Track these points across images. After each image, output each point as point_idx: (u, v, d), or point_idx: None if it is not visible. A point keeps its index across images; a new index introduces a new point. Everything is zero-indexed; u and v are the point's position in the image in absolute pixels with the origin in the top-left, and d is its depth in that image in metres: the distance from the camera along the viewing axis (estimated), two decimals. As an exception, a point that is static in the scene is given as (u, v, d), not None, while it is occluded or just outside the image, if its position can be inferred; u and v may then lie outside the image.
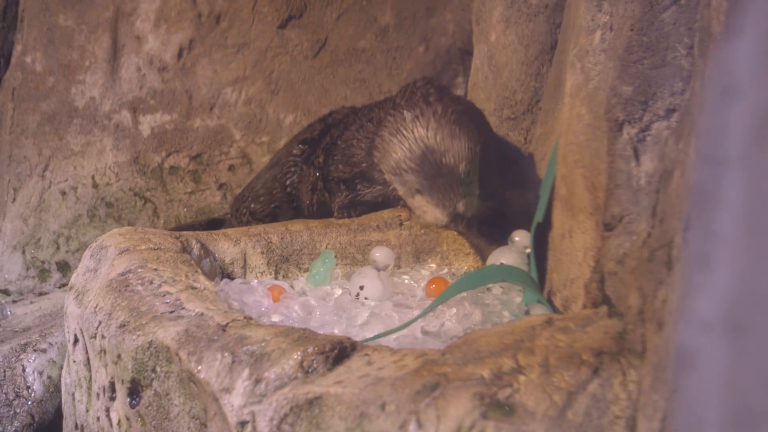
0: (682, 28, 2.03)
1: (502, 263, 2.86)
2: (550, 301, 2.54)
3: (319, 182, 3.47)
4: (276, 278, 3.08)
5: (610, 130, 2.10)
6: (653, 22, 2.07)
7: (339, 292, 2.84)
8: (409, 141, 2.85)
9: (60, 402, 2.94)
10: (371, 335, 2.44)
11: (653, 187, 2.01)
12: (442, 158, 2.81)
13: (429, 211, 2.84)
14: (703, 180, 0.97)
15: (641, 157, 2.05)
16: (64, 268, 4.29)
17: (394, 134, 2.90)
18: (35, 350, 3.27)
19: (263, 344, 1.99)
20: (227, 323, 2.13)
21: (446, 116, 2.88)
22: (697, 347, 0.98)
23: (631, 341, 1.86)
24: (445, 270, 3.07)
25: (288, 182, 3.64)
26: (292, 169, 3.66)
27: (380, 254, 2.97)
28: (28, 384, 3.20)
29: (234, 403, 1.88)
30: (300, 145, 3.69)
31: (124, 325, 2.26)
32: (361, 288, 2.77)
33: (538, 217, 2.77)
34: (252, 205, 3.70)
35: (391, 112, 3.06)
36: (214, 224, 3.98)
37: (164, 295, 2.35)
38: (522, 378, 1.76)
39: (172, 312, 2.25)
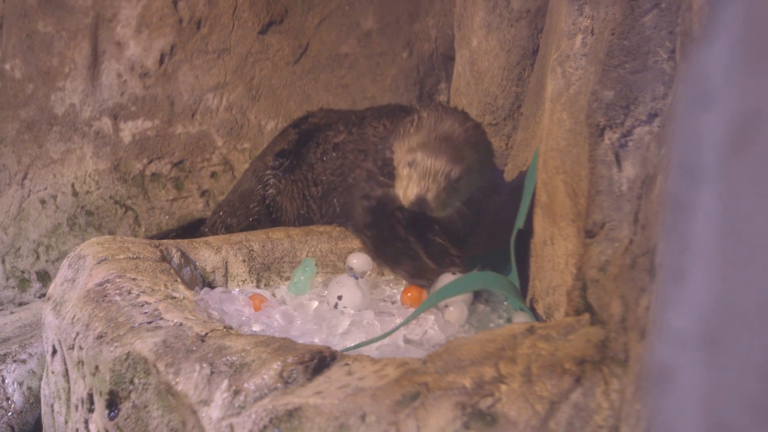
0: (663, 32, 2.02)
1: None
2: (533, 309, 2.53)
3: (308, 194, 3.45)
4: (258, 286, 3.06)
5: (591, 135, 2.09)
6: (634, 26, 2.06)
7: (316, 303, 2.80)
8: (431, 128, 2.87)
9: (40, 413, 2.91)
10: (352, 344, 2.43)
11: (635, 193, 1.99)
12: (454, 153, 2.82)
13: (407, 185, 2.81)
14: (678, 189, 0.95)
15: (623, 163, 2.04)
16: (44, 277, 4.25)
17: (429, 117, 2.93)
18: (15, 361, 3.24)
19: (243, 354, 1.97)
20: (206, 333, 2.11)
21: (466, 127, 2.92)
22: (673, 362, 0.96)
23: (613, 350, 1.85)
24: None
25: (267, 194, 3.60)
26: (271, 181, 3.62)
27: (357, 261, 2.93)
28: (7, 395, 3.17)
29: (212, 415, 1.86)
30: (278, 158, 3.65)
31: (101, 336, 2.23)
32: (339, 298, 2.75)
33: (519, 223, 2.76)
34: (228, 220, 3.67)
35: (418, 108, 3.09)
36: (190, 230, 3.96)
37: (142, 305, 2.33)
38: (504, 387, 1.74)
39: (150, 322, 2.23)
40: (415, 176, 2.79)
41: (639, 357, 1.73)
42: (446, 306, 2.72)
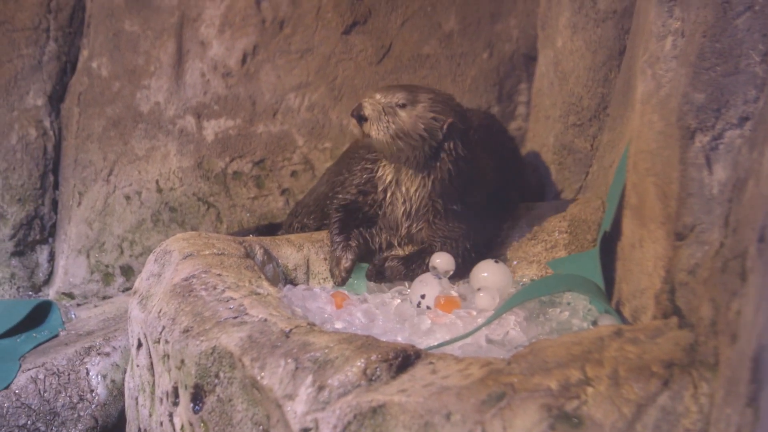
0: (756, 35, 1.99)
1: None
2: (618, 312, 2.50)
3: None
4: (338, 285, 3.08)
5: (682, 138, 2.07)
6: (726, 29, 2.04)
7: (398, 301, 2.81)
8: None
9: (123, 405, 2.96)
10: (435, 343, 2.43)
11: (726, 197, 1.97)
12: (408, 91, 2.97)
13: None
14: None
15: (713, 166, 2.01)
16: (128, 272, 4.32)
17: None
18: (99, 354, 3.30)
19: (327, 351, 1.98)
20: (291, 329, 2.13)
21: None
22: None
23: (702, 353, 1.83)
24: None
25: (338, 198, 3.61)
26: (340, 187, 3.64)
27: (441, 260, 2.93)
28: (91, 387, 3.22)
29: (297, 410, 1.88)
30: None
31: (187, 330, 2.26)
32: (423, 297, 2.76)
33: (606, 225, 2.74)
34: (305, 220, 3.69)
35: None
36: (269, 229, 3.98)
37: (228, 301, 2.36)
38: (590, 390, 1.74)
39: (235, 318, 2.25)
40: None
41: (729, 361, 1.71)
42: (478, 290, 2.75)
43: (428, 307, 2.73)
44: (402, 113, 2.88)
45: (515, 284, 2.94)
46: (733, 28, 2.02)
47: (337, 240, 3.07)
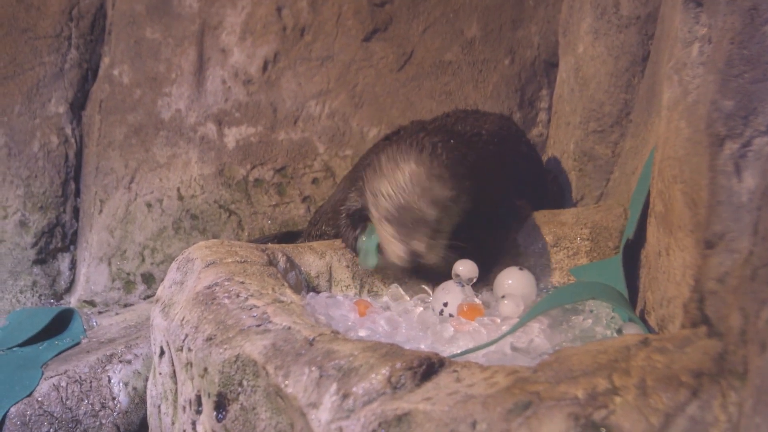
0: (784, 42, 1.98)
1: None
2: (643, 320, 2.49)
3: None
4: (360, 293, 3.07)
5: (711, 145, 2.05)
6: (754, 35, 2.02)
7: (420, 309, 2.80)
8: (397, 170, 2.80)
9: (145, 413, 2.96)
10: (458, 351, 2.42)
11: (755, 204, 1.95)
12: (419, 197, 2.76)
13: (391, 242, 2.80)
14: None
15: (743, 173, 2.00)
16: (149, 279, 4.34)
17: (388, 160, 2.85)
18: (121, 361, 3.31)
19: (351, 359, 1.97)
20: (314, 337, 2.12)
21: (440, 157, 2.83)
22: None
23: (732, 362, 1.81)
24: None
25: (353, 206, 3.59)
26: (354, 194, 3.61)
27: (464, 267, 2.91)
28: (113, 395, 3.23)
29: (321, 418, 1.87)
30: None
31: (210, 339, 2.26)
32: (445, 305, 2.75)
33: (629, 233, 2.72)
34: (323, 228, 3.68)
35: (395, 140, 3.07)
36: (289, 237, 3.98)
37: (251, 309, 2.35)
38: (618, 399, 1.72)
39: (259, 325, 2.25)
40: (395, 233, 2.79)
41: (759, 370, 1.69)
42: (502, 297, 2.74)
43: (451, 315, 2.72)
44: (441, 227, 2.82)
45: (540, 292, 2.93)
46: (761, 35, 2.01)
47: (352, 234, 3.08)
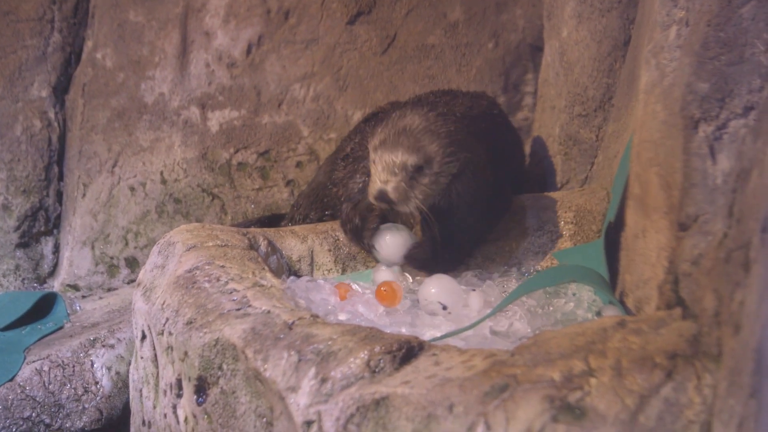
0: (761, 24, 1.98)
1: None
2: (622, 302, 2.50)
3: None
4: (343, 276, 3.07)
5: (685, 127, 2.06)
6: (731, 18, 2.02)
7: (408, 304, 2.77)
8: (391, 124, 2.83)
9: (128, 398, 2.96)
10: (439, 334, 2.42)
11: (730, 187, 1.96)
12: (411, 143, 2.77)
13: (372, 183, 2.81)
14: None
15: (717, 156, 2.00)
16: (133, 263, 4.33)
17: (396, 113, 2.89)
18: (104, 346, 3.30)
19: (330, 343, 1.98)
20: (294, 321, 2.13)
21: (426, 116, 2.86)
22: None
23: (706, 344, 1.82)
24: (515, 269, 3.04)
25: (334, 189, 3.56)
26: (337, 176, 3.58)
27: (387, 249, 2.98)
28: (96, 379, 3.23)
29: (300, 402, 1.87)
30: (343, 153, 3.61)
31: (191, 323, 2.27)
32: (445, 308, 2.71)
33: (610, 216, 2.73)
34: (305, 212, 3.66)
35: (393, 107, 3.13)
36: (272, 220, 3.98)
37: (231, 293, 2.36)
38: (593, 381, 1.73)
39: (238, 309, 2.25)
40: (376, 172, 2.78)
41: (733, 352, 1.70)
42: (472, 291, 2.74)
43: (450, 313, 2.69)
44: (423, 180, 2.78)
45: (522, 276, 2.94)
46: (738, 17, 2.01)
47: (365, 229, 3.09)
